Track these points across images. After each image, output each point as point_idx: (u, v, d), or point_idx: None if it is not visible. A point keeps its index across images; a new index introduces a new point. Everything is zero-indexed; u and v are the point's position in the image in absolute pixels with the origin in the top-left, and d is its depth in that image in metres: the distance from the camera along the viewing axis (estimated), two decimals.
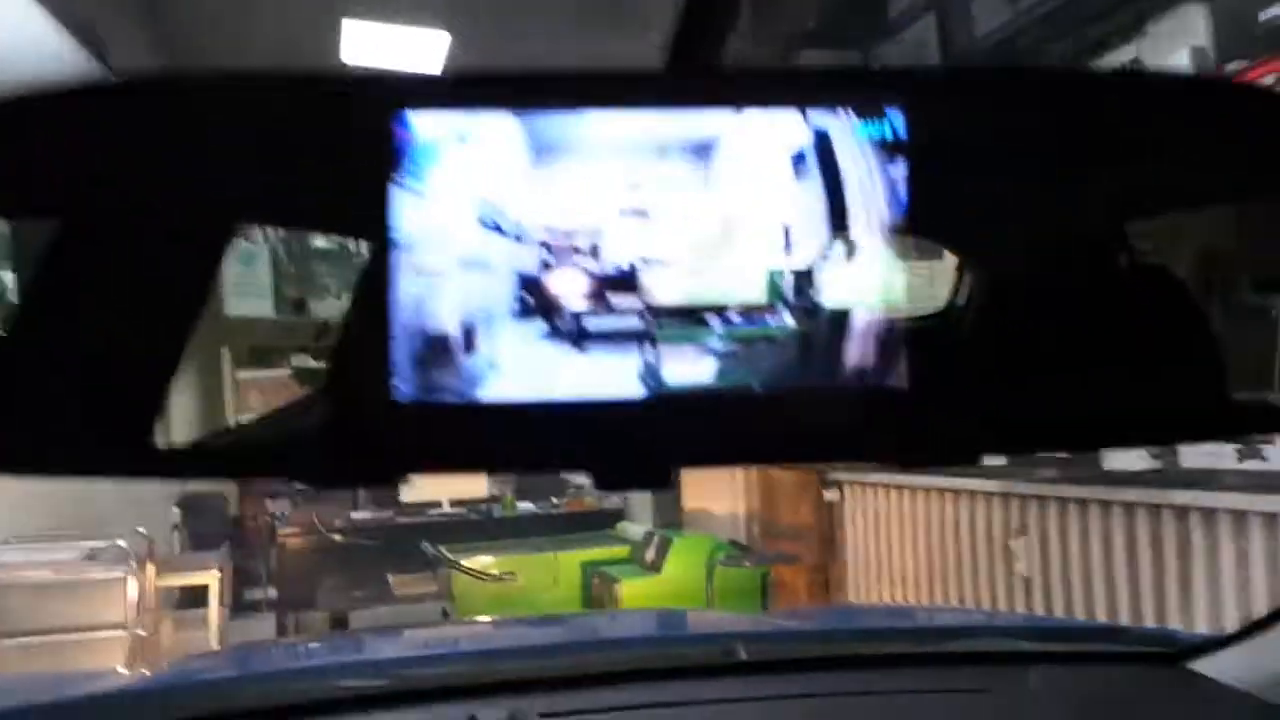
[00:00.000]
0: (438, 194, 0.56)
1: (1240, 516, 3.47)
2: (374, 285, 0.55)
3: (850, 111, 0.57)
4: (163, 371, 0.54)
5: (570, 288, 0.57)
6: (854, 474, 5.96)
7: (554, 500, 8.35)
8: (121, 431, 0.54)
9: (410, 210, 0.56)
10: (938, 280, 0.61)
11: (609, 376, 0.57)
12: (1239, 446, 3.45)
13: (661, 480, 0.60)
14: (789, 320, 0.58)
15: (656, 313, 0.58)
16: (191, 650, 5.87)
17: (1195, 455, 3.74)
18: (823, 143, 0.57)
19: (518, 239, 0.57)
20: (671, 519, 7.57)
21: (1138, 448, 3.27)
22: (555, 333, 0.58)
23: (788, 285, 0.58)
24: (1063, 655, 1.66)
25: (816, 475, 6.08)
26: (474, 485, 7.77)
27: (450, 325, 0.56)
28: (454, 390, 0.56)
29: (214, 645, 6.42)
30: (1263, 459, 3.47)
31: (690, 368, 0.58)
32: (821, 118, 0.58)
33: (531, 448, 0.59)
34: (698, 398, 0.58)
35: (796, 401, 0.59)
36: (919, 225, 0.58)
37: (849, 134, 0.57)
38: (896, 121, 0.57)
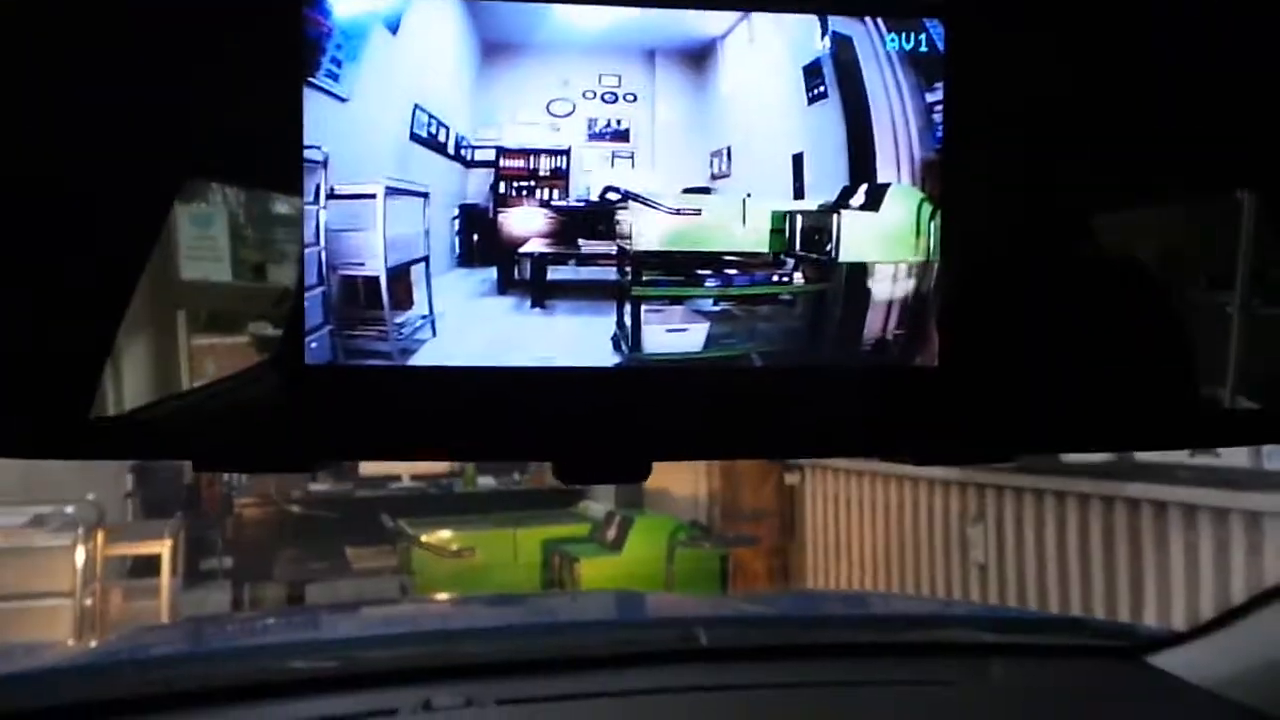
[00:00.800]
0: (361, 99, 0.45)
1: (1190, 510, 3.53)
2: (284, 218, 0.44)
3: (879, 20, 0.46)
4: (78, 352, 0.44)
5: (528, 225, 0.46)
6: (814, 458, 5.92)
7: (516, 476, 8.26)
8: (31, 412, 0.45)
9: (328, 118, 0.44)
10: (979, 235, 0.50)
11: (575, 341, 0.46)
12: None
13: (638, 473, 0.48)
14: (798, 277, 0.47)
15: (636, 262, 0.47)
16: (141, 621, 5.74)
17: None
18: (844, 54, 0.46)
19: (461, 159, 0.45)
20: (633, 499, 7.51)
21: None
22: (508, 283, 0.46)
23: (797, 232, 0.47)
24: (1025, 648, 1.65)
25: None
26: None
27: (375, 268, 0.45)
28: (380, 353, 0.45)
29: (164, 617, 6.30)
30: (1214, 454, 3.48)
31: (676, 334, 0.47)
32: (844, 23, 0.47)
33: (477, 430, 0.47)
34: (684, 372, 0.47)
35: (805, 380, 0.48)
36: (957, 163, 0.47)
37: (876, 46, 0.46)
38: (935, 33, 0.46)
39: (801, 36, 0.47)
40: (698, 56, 0.47)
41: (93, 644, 3.23)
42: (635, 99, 0.46)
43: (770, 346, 0.48)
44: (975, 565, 4.83)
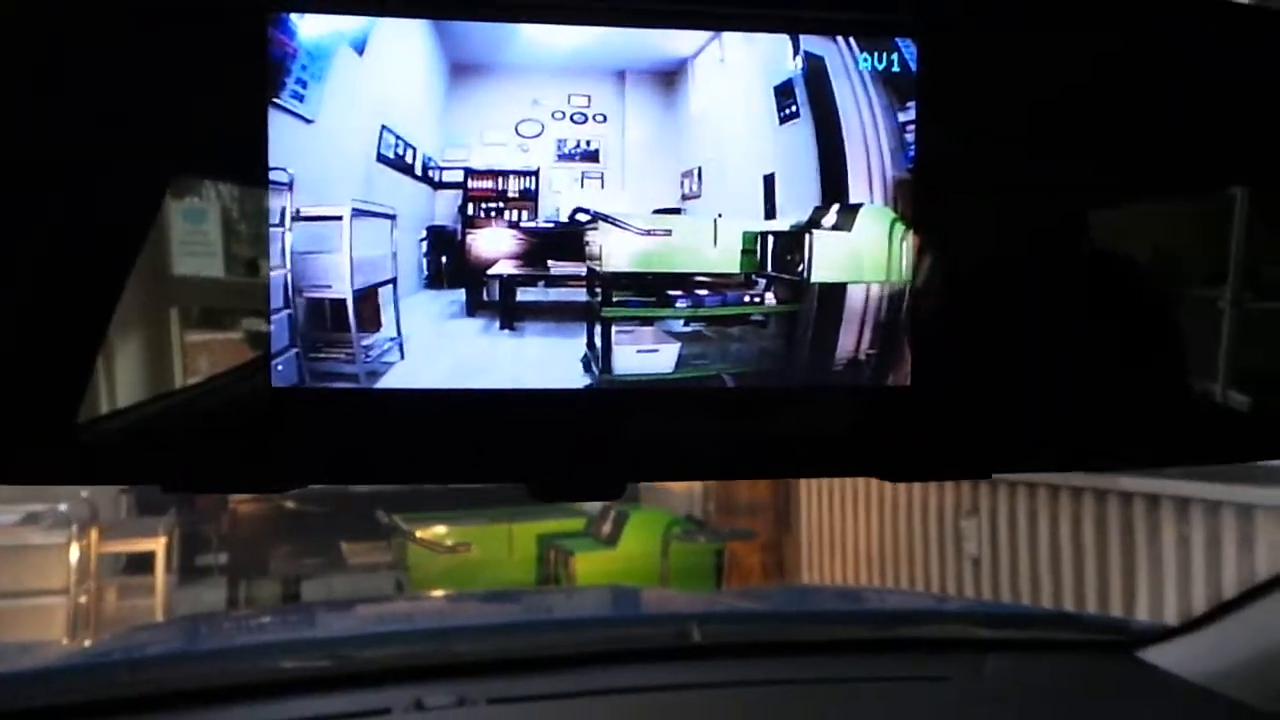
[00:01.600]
0: (327, 120, 0.44)
1: (1183, 503, 3.54)
2: (250, 238, 0.43)
3: (851, 40, 0.46)
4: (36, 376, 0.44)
5: (496, 246, 0.46)
6: None
7: None
8: None
9: (293, 140, 0.44)
10: (951, 254, 0.50)
11: (545, 363, 0.46)
12: None
13: (612, 490, 0.48)
14: (769, 298, 0.47)
15: (606, 283, 0.47)
16: (136, 619, 5.74)
17: None
18: (816, 74, 0.46)
19: (429, 180, 0.45)
20: (628, 493, 7.52)
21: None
22: (477, 305, 0.46)
23: (769, 252, 0.47)
24: (1018, 643, 1.65)
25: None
26: None
27: (341, 290, 0.44)
28: (348, 376, 0.45)
29: (159, 614, 6.29)
30: None
31: (647, 355, 0.47)
32: (817, 43, 0.46)
33: (448, 452, 0.47)
34: (656, 393, 0.47)
35: (778, 400, 0.47)
36: (930, 183, 0.47)
37: (849, 65, 0.46)
38: (908, 53, 0.46)
39: (773, 56, 0.47)
40: (668, 77, 0.46)
41: (87, 643, 3.23)
42: (605, 119, 0.46)
43: (742, 367, 0.48)
44: (969, 559, 4.84)
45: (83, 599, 5.19)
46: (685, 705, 1.39)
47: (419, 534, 6.45)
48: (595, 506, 7.02)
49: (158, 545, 6.53)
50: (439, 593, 5.06)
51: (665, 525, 6.34)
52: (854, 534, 5.76)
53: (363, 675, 1.38)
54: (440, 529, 6.63)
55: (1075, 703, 1.42)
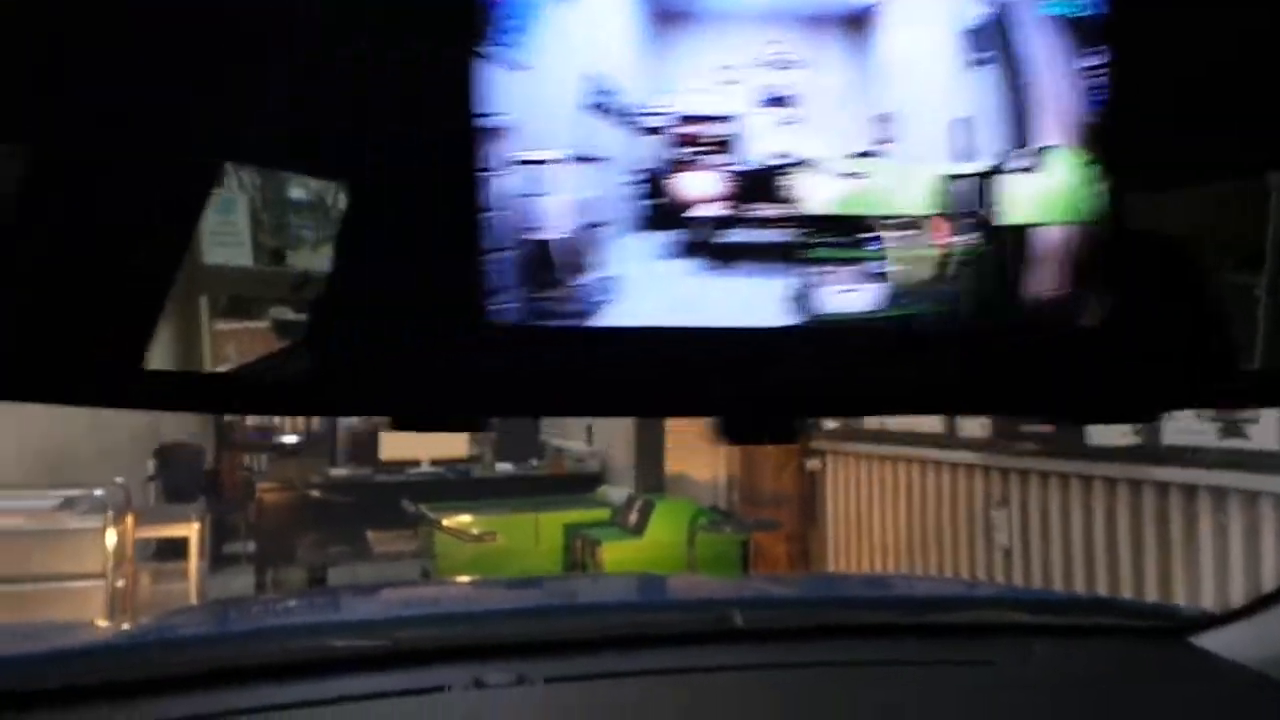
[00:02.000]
0: (536, 66, 0.45)
1: (1220, 493, 3.49)
2: (460, 184, 0.44)
3: None
4: (157, 294, 0.45)
5: (700, 190, 0.47)
6: (835, 444, 5.91)
7: (534, 462, 8.29)
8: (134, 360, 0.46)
9: (504, 86, 0.45)
10: (1140, 197, 0.51)
11: (748, 302, 0.47)
12: (1221, 425, 3.43)
13: (789, 434, 0.49)
14: (963, 239, 0.48)
15: (806, 225, 0.48)
16: (171, 603, 5.79)
17: (1176, 432, 3.77)
18: (1003, 16, 0.47)
19: (635, 125, 0.46)
20: (652, 483, 7.52)
21: None
22: (687, 246, 0.47)
23: (960, 195, 0.48)
24: (1063, 628, 1.65)
25: (798, 443, 5.99)
26: (453, 444, 7.66)
27: (557, 233, 0.46)
28: (561, 313, 0.46)
29: (193, 598, 6.35)
30: (1245, 437, 3.46)
31: (847, 295, 0.48)
32: None
33: (654, 385, 0.48)
34: (855, 331, 0.48)
35: (969, 338, 0.48)
36: (1118, 127, 0.48)
37: (1035, 8, 0.47)
38: None
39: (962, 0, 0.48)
40: (858, 22, 0.47)
41: (125, 626, 3.26)
42: (800, 65, 0.47)
43: (936, 307, 0.49)
44: (1000, 550, 4.80)
45: (120, 583, 5.25)
46: (730, 686, 1.40)
47: (445, 523, 6.47)
48: (619, 497, 7.02)
49: (192, 531, 6.60)
50: (469, 578, 5.07)
51: (691, 515, 6.33)
52: (880, 524, 5.72)
53: (419, 654, 1.38)
54: (466, 518, 6.64)
55: (1127, 687, 1.41)
